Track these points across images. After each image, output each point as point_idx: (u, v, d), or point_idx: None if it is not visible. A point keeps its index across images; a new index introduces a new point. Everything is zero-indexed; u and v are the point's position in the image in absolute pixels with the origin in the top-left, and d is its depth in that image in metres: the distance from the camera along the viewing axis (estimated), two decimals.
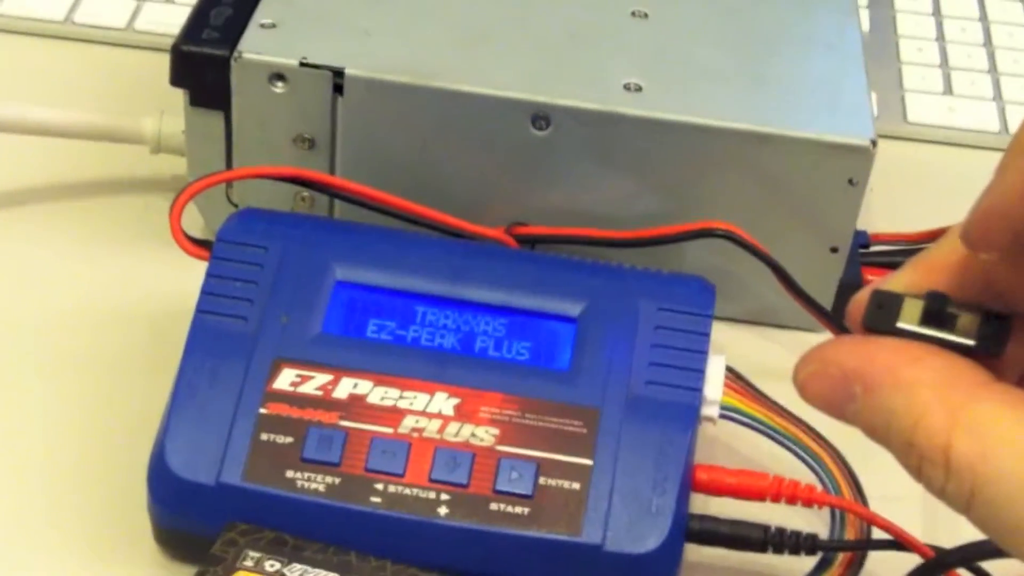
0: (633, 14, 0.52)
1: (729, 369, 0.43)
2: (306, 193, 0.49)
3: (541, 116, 0.47)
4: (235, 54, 0.47)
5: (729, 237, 0.47)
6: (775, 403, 0.43)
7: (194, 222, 0.50)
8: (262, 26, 0.48)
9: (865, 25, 0.65)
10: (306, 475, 0.39)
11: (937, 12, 0.67)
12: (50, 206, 0.53)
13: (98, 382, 0.47)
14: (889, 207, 0.54)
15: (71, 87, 0.58)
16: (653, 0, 0.52)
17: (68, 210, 0.53)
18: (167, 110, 0.51)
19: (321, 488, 0.39)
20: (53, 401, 0.46)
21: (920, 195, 0.57)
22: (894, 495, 0.44)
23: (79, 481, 0.43)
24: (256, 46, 0.48)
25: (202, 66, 0.48)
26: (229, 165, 0.49)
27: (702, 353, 0.42)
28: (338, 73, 0.47)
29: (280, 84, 0.48)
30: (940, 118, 0.61)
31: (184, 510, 0.40)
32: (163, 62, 0.49)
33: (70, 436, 0.45)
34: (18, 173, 0.54)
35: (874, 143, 0.47)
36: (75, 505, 0.43)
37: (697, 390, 0.41)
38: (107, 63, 0.60)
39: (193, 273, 0.45)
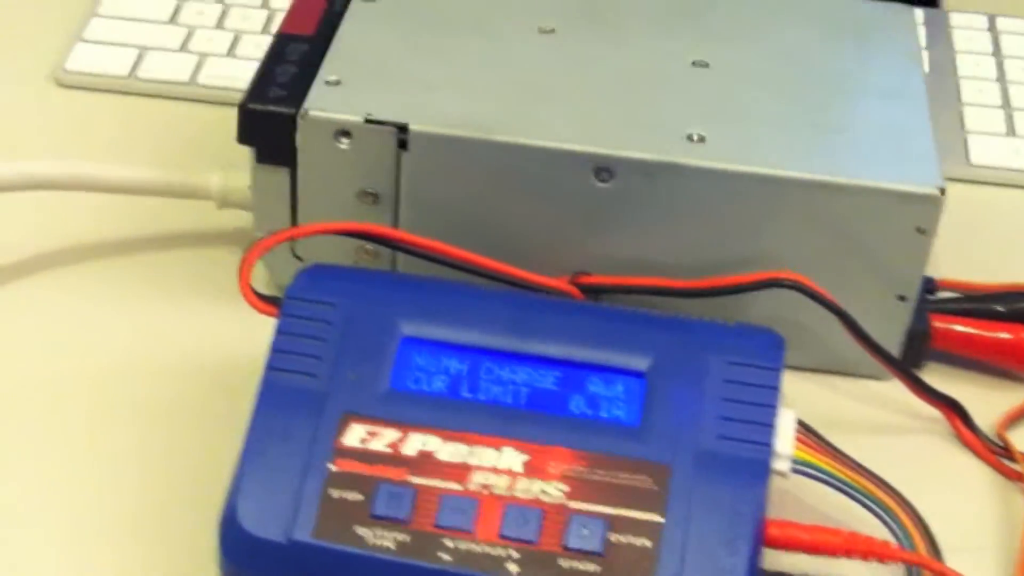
0: (694, 64, 0.52)
1: (799, 422, 0.42)
2: (370, 247, 0.50)
3: (604, 168, 0.47)
4: (301, 112, 0.48)
5: (797, 287, 0.46)
6: (847, 456, 0.43)
7: (258, 274, 0.50)
8: (327, 83, 0.49)
9: (925, 66, 0.65)
10: (376, 532, 0.39)
11: (997, 52, 0.67)
12: (117, 260, 0.53)
13: (164, 436, 0.47)
14: (954, 251, 0.54)
15: (135, 142, 0.59)
16: (713, 49, 0.52)
17: (135, 264, 0.53)
18: (232, 165, 0.52)
19: (391, 545, 0.39)
20: (119, 456, 0.46)
21: (985, 238, 0.57)
22: (972, 549, 0.43)
23: (146, 537, 0.44)
24: (321, 103, 0.48)
25: (269, 124, 0.48)
26: (294, 220, 0.50)
27: (772, 407, 0.41)
28: (402, 129, 0.48)
29: (345, 140, 0.48)
30: (1003, 160, 0.61)
31: (255, 567, 0.40)
32: (226, 116, 0.50)
33: (136, 492, 0.45)
34: (86, 228, 0.54)
35: (942, 191, 0.47)
36: (143, 562, 0.43)
37: (768, 445, 0.41)
38: (171, 117, 0.60)
39: (258, 326, 0.45)
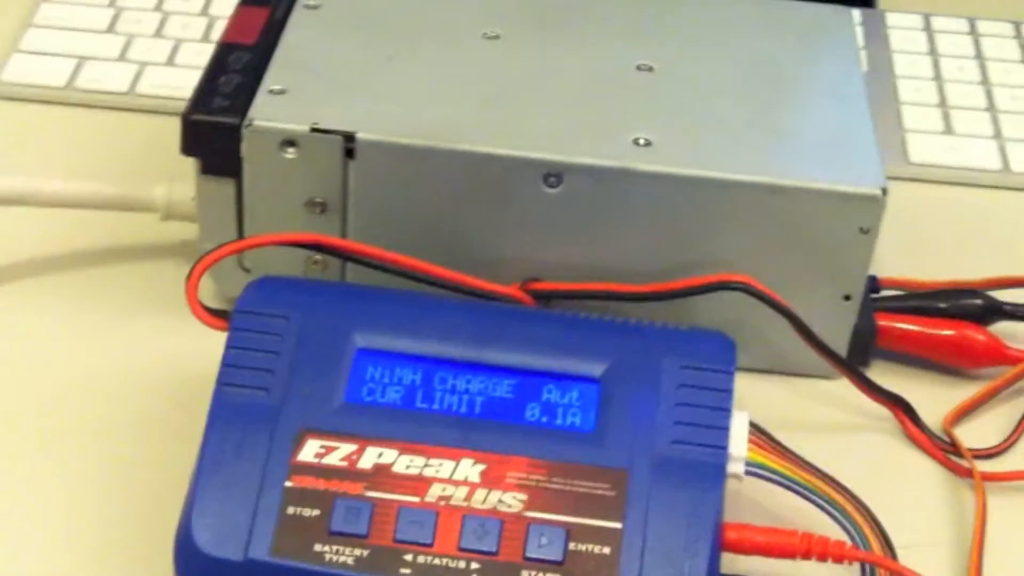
0: (639, 68, 0.52)
1: (752, 424, 0.43)
2: (319, 257, 0.49)
3: (553, 174, 0.47)
4: (246, 122, 0.47)
5: (745, 289, 0.47)
6: (799, 457, 0.43)
7: (205, 288, 0.50)
8: (271, 92, 0.49)
9: (863, 66, 0.65)
10: (335, 548, 0.39)
11: (933, 51, 0.68)
12: (60, 276, 0.53)
13: (116, 454, 0.46)
14: (895, 249, 0.55)
15: (76, 154, 0.58)
16: (657, 53, 0.53)
17: (77, 280, 0.52)
18: (176, 177, 0.51)
19: (350, 561, 0.39)
20: (69, 475, 0.45)
21: (925, 236, 0.58)
22: (924, 545, 0.44)
23: (102, 559, 0.43)
24: (267, 113, 0.48)
25: (213, 135, 0.48)
26: (241, 231, 0.49)
27: (726, 410, 0.42)
28: (349, 138, 0.47)
29: (291, 150, 0.48)
30: (942, 158, 0.62)
31: None
32: (166, 126, 0.49)
33: (89, 511, 0.44)
34: (25, 244, 0.54)
35: (884, 191, 0.47)
36: None
37: (723, 448, 0.41)
38: (111, 128, 0.60)
39: (207, 339, 0.45)
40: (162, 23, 0.64)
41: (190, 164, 0.49)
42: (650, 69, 0.52)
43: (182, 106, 0.48)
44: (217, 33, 0.64)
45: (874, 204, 0.47)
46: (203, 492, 0.40)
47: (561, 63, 0.52)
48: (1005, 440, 0.49)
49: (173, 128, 0.49)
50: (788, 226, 0.48)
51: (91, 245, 0.54)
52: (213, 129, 0.48)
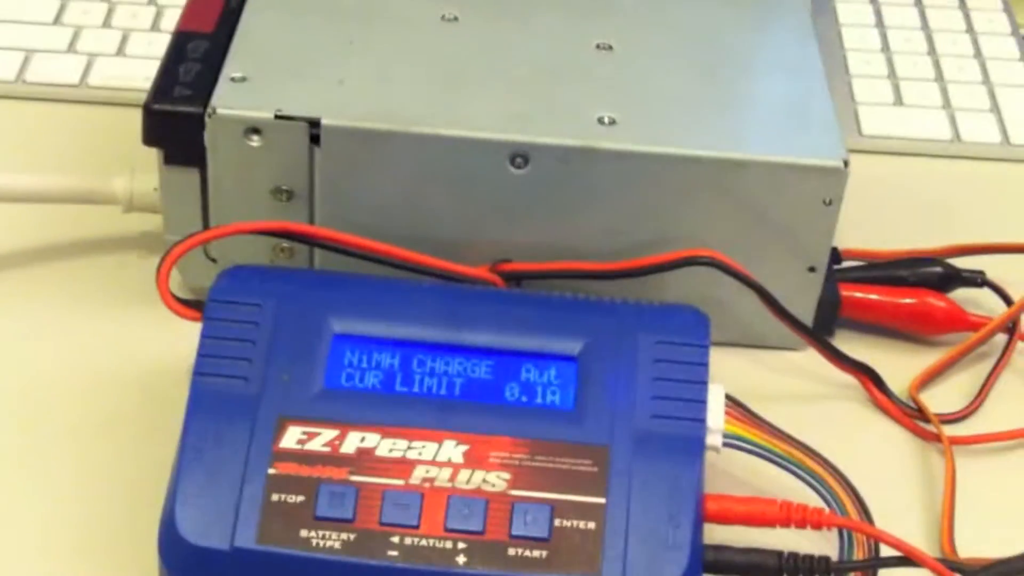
0: (598, 47, 0.52)
1: (727, 396, 0.43)
2: (286, 244, 0.49)
3: (519, 155, 0.48)
4: (209, 110, 0.47)
5: (714, 264, 0.47)
6: (775, 427, 0.44)
7: (171, 279, 0.49)
8: (233, 80, 0.48)
9: None
10: (321, 533, 0.39)
11: (880, 24, 0.68)
12: (23, 272, 0.52)
13: (88, 449, 0.46)
14: (853, 220, 0.55)
15: (28, 148, 0.57)
16: (615, 32, 0.53)
17: (40, 275, 0.52)
18: (137, 168, 0.51)
19: (337, 545, 0.39)
20: (46, 474, 0.45)
21: (881, 207, 0.58)
22: (897, 510, 0.45)
23: (86, 555, 0.43)
24: (229, 101, 0.47)
25: (175, 124, 0.47)
26: (206, 221, 0.49)
27: (702, 383, 0.42)
28: (314, 124, 0.47)
29: (256, 138, 0.47)
30: (893, 129, 0.63)
31: None
32: (120, 117, 0.49)
33: (67, 509, 0.44)
34: None
35: (846, 163, 0.48)
36: None
37: (701, 421, 0.42)
38: (63, 121, 0.59)
39: (175, 331, 0.44)
40: (109, 13, 0.64)
41: (148, 155, 0.48)
42: (609, 48, 0.52)
43: (135, 97, 0.48)
44: (166, 22, 0.63)
45: (837, 176, 0.48)
46: (186, 482, 0.39)
47: (521, 44, 0.52)
48: (970, 404, 0.49)
49: (127, 119, 0.48)
50: (753, 200, 0.49)
51: (52, 239, 0.53)
52: (175, 118, 0.47)
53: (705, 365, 0.42)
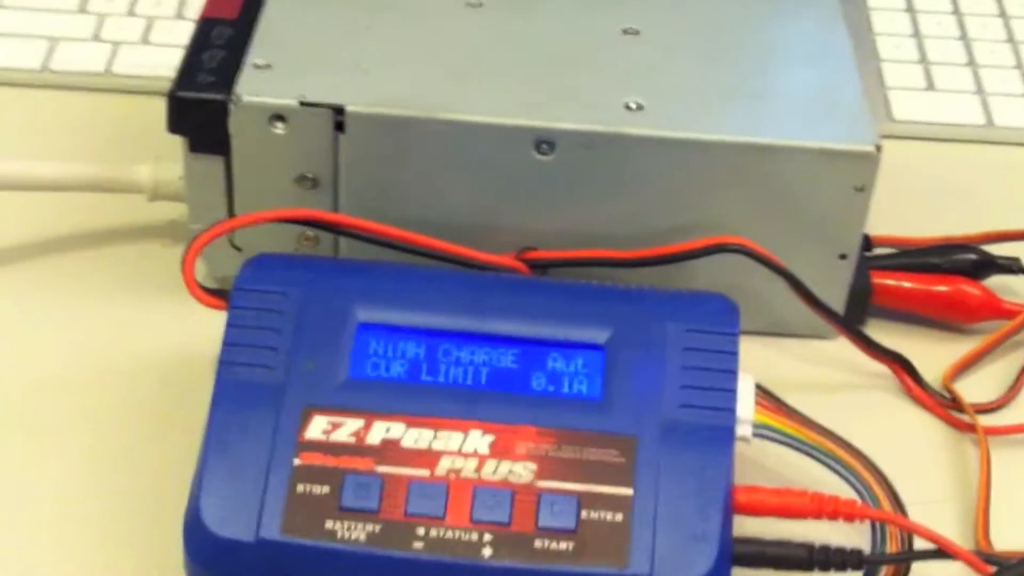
0: (624, 32, 0.52)
1: (757, 386, 0.43)
2: (311, 233, 0.49)
3: (544, 140, 0.47)
4: (233, 97, 0.47)
5: (742, 251, 0.46)
6: (806, 417, 0.43)
7: (196, 267, 0.49)
8: (256, 67, 0.48)
9: None
10: (346, 524, 0.39)
11: (911, 8, 0.67)
12: (48, 261, 0.52)
13: (115, 438, 0.46)
14: (884, 206, 0.54)
15: (55, 137, 0.57)
16: (642, 17, 0.52)
17: (65, 264, 0.52)
18: (162, 156, 0.50)
19: (362, 537, 0.39)
20: (70, 463, 0.45)
21: (913, 193, 0.58)
22: (931, 501, 0.44)
23: (107, 544, 0.42)
24: (254, 88, 0.47)
25: (200, 112, 0.47)
26: (231, 209, 0.49)
27: (732, 372, 0.42)
28: (338, 110, 0.47)
29: (280, 125, 0.47)
30: (925, 114, 0.62)
31: (224, 569, 0.39)
32: (145, 105, 0.49)
33: (93, 498, 0.44)
34: (12, 229, 0.53)
35: (879, 148, 0.47)
36: (108, 570, 0.42)
37: (731, 410, 0.41)
38: (88, 110, 0.59)
39: (201, 320, 0.44)
40: (134, 1, 0.63)
41: (173, 143, 0.48)
42: (636, 33, 0.52)
43: (159, 85, 0.48)
44: (190, 10, 0.63)
45: (868, 161, 0.47)
46: (211, 473, 0.39)
47: (546, 29, 0.51)
48: (1005, 394, 0.49)
49: (152, 107, 0.48)
50: (783, 187, 0.48)
51: (76, 228, 0.53)
52: (200, 106, 0.47)
53: (735, 354, 0.42)
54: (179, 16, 0.63)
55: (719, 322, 0.42)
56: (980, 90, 0.63)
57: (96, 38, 0.61)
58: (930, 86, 0.63)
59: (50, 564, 0.42)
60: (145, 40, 0.61)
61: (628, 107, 0.48)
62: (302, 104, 0.47)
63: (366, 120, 0.47)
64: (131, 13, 0.63)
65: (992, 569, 0.39)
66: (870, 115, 0.49)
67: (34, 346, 0.49)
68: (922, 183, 0.59)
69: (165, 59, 0.58)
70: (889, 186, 0.55)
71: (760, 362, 0.48)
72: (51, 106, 0.59)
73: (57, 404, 0.47)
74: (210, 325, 0.43)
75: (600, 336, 0.42)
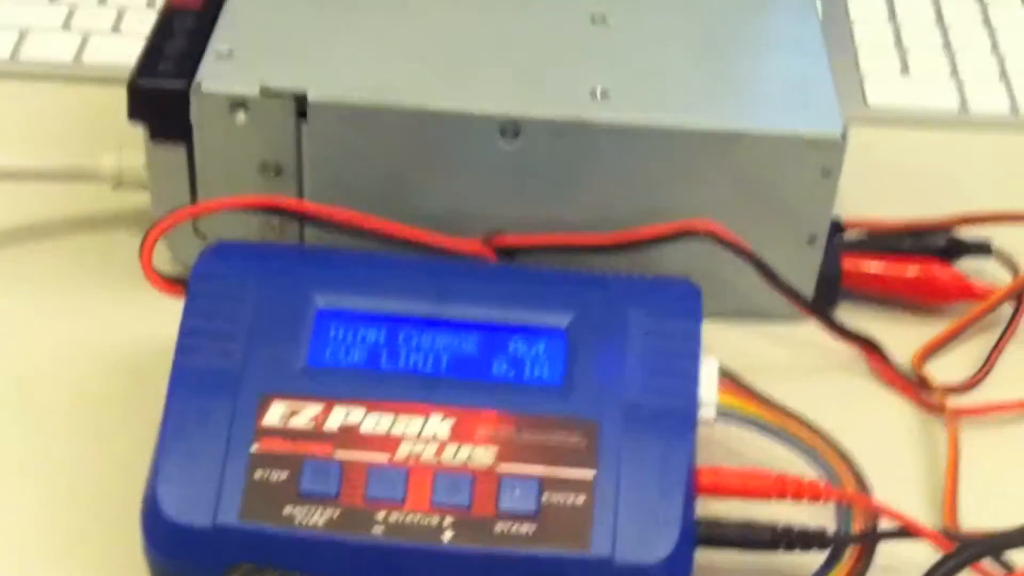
0: (592, 20, 0.51)
1: (721, 369, 0.42)
2: (275, 221, 0.48)
3: (510, 128, 0.47)
4: (193, 86, 0.46)
5: (710, 236, 0.46)
6: (770, 399, 0.43)
7: (160, 255, 0.49)
8: (219, 55, 0.47)
9: (818, 10, 0.65)
10: (305, 510, 0.38)
11: None
12: (10, 251, 0.51)
13: (77, 428, 0.45)
14: (857, 191, 0.54)
15: (22, 127, 0.57)
16: (610, 4, 0.52)
17: (29, 254, 0.51)
18: (125, 144, 0.50)
19: (321, 522, 0.38)
20: (33, 451, 0.45)
21: (887, 178, 0.57)
22: (897, 482, 0.44)
23: (70, 533, 0.42)
24: (214, 76, 0.47)
25: (160, 100, 0.47)
26: (194, 197, 0.48)
27: (694, 356, 0.41)
28: (300, 98, 0.46)
29: (242, 113, 0.47)
30: (900, 99, 0.61)
31: (182, 555, 0.39)
32: (115, 96, 0.48)
33: (54, 488, 0.43)
34: None
35: (844, 134, 0.47)
36: (69, 558, 0.41)
37: (693, 394, 0.41)
38: (57, 100, 0.58)
39: (165, 310, 0.44)
40: None
41: (139, 132, 0.48)
42: (604, 20, 0.51)
43: (129, 74, 0.47)
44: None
45: (834, 147, 0.47)
46: (167, 460, 0.39)
47: (513, 16, 0.51)
48: (975, 375, 0.48)
49: (123, 97, 0.48)
50: (750, 173, 0.48)
51: (42, 218, 0.53)
52: (160, 94, 0.47)
53: (697, 337, 0.42)
54: (150, 5, 0.62)
55: (681, 307, 0.42)
56: (955, 74, 0.63)
57: (66, 27, 0.61)
58: (905, 71, 0.63)
59: (14, 552, 0.42)
60: (116, 29, 0.61)
61: (594, 94, 0.48)
62: (263, 92, 0.46)
63: (329, 108, 0.46)
64: (102, 3, 0.62)
65: (954, 546, 0.39)
66: (837, 101, 0.48)
67: None
68: (896, 168, 0.58)
69: (136, 48, 0.57)
70: (863, 171, 0.55)
71: (731, 346, 0.48)
72: (20, 97, 0.58)
73: (19, 391, 0.46)
74: (177, 314, 0.43)
75: (562, 321, 0.42)
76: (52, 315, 0.49)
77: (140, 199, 0.50)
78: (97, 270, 0.51)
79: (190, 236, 0.49)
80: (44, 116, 0.57)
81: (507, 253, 0.48)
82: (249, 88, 0.46)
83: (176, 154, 0.48)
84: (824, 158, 0.47)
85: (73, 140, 0.56)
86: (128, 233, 0.52)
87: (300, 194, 0.48)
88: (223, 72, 0.47)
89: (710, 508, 0.41)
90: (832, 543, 0.40)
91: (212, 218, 0.48)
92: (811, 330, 0.49)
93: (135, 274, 0.45)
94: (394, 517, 0.38)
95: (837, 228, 0.52)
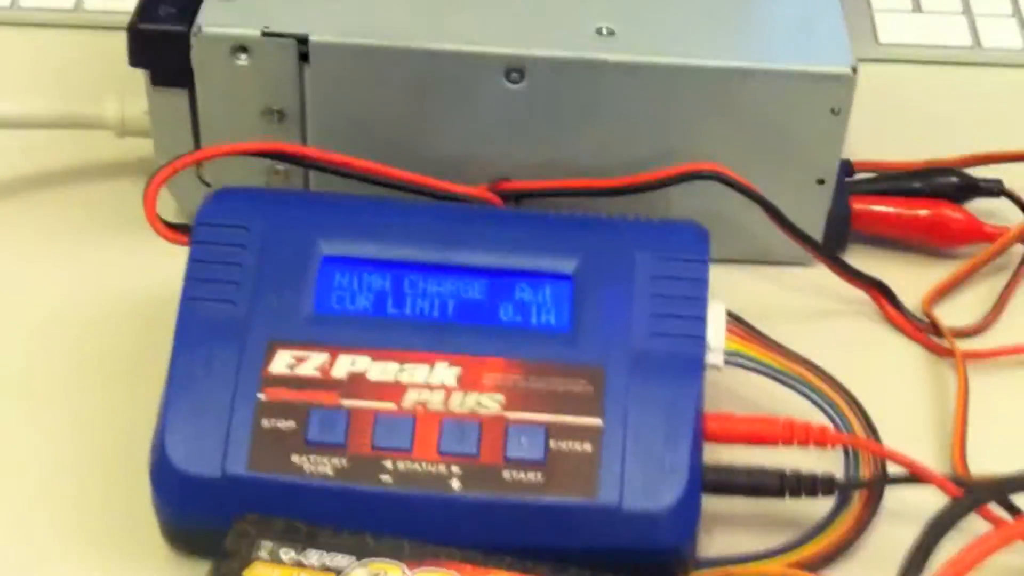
0: None
1: (729, 313, 0.42)
2: (280, 167, 0.48)
3: (515, 68, 0.46)
4: (194, 29, 0.46)
5: (717, 177, 0.46)
6: (779, 344, 0.43)
7: (165, 204, 0.48)
8: None
9: None
10: (312, 459, 0.38)
11: None
12: (14, 200, 0.51)
13: (86, 378, 0.45)
14: (868, 131, 0.54)
15: (22, 74, 0.56)
16: None
17: (34, 203, 0.51)
18: (129, 91, 0.49)
19: (329, 471, 0.38)
20: (41, 402, 0.45)
21: (898, 116, 0.57)
22: (905, 427, 0.44)
23: (78, 484, 0.42)
24: (215, 19, 0.46)
25: (161, 44, 0.46)
26: (197, 143, 0.48)
27: (702, 300, 0.41)
28: (302, 40, 0.46)
29: (243, 56, 0.46)
30: (911, 36, 0.61)
31: (191, 505, 0.39)
32: (116, 42, 0.48)
33: (63, 437, 0.44)
34: None
35: (855, 70, 0.46)
36: (77, 509, 0.42)
37: (701, 338, 0.40)
38: (58, 47, 0.58)
39: (170, 257, 0.43)
40: None
41: (141, 78, 0.47)
42: None
43: (130, 18, 0.47)
44: None
45: (844, 83, 0.46)
46: (175, 410, 0.39)
47: None
48: (985, 318, 0.48)
49: (122, 44, 0.47)
50: (757, 111, 0.47)
51: (45, 166, 0.52)
52: (161, 38, 0.46)
53: (704, 281, 0.41)
54: None
55: (688, 249, 0.42)
56: (967, 10, 0.62)
57: None
58: (916, 7, 0.62)
59: (22, 504, 0.42)
60: None
61: (599, 32, 0.47)
62: (264, 34, 0.46)
63: (331, 50, 0.46)
64: None
65: (961, 490, 0.38)
66: (847, 37, 0.48)
67: (3, 286, 0.48)
68: (907, 107, 0.58)
69: None
70: (874, 110, 0.54)
71: (739, 289, 0.48)
72: (20, 43, 0.58)
73: (27, 344, 0.46)
74: (181, 261, 0.42)
75: (568, 266, 0.42)
76: (56, 264, 0.49)
77: (143, 146, 0.50)
78: (101, 218, 0.50)
79: (194, 183, 0.48)
80: (45, 64, 0.57)
81: (512, 198, 0.47)
82: (250, 30, 0.46)
83: (178, 100, 0.47)
84: (833, 95, 0.47)
85: (75, 88, 0.55)
86: (131, 181, 0.51)
87: (303, 139, 0.48)
88: (224, 15, 0.46)
89: (717, 455, 0.40)
90: (840, 488, 0.40)
91: (216, 164, 0.48)
92: (819, 273, 0.49)
93: (138, 222, 0.44)
94: (402, 465, 0.38)
95: (847, 169, 0.51)
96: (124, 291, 0.48)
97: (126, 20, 0.47)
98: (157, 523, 0.40)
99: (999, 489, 0.38)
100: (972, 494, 0.37)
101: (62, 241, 0.50)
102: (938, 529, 0.36)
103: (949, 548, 0.36)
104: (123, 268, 0.49)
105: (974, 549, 0.35)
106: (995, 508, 0.39)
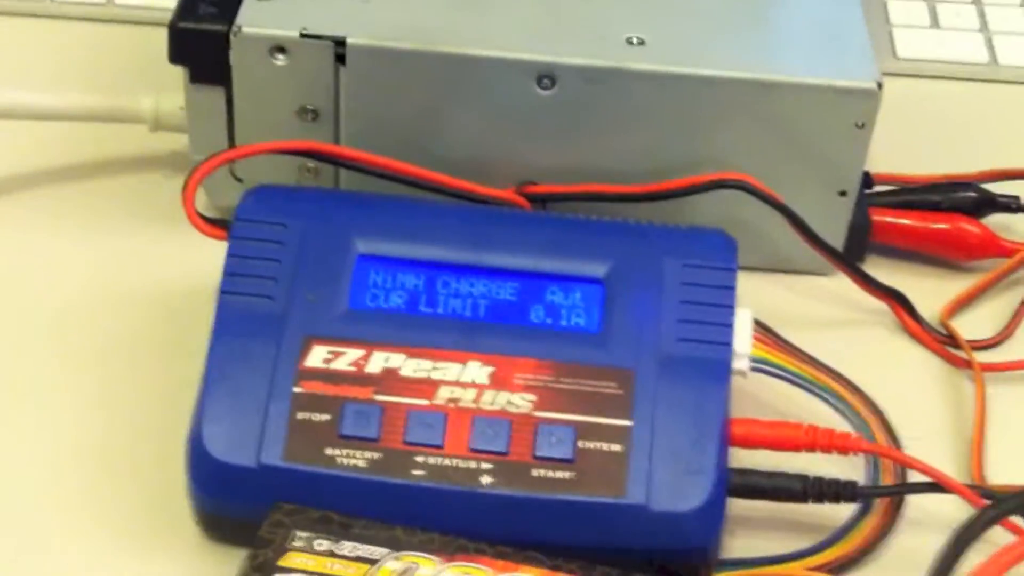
0: None
1: (755, 321, 0.43)
2: (312, 164, 0.49)
3: (546, 75, 0.47)
4: (234, 29, 0.46)
5: (742, 187, 0.47)
6: (803, 352, 0.43)
7: (196, 198, 0.49)
8: None
9: None
10: (346, 452, 0.39)
11: None
12: (49, 192, 0.52)
13: (118, 369, 0.46)
14: (887, 144, 0.54)
15: (55, 67, 0.57)
16: None
17: (67, 195, 0.52)
18: (164, 87, 0.50)
19: (362, 464, 0.39)
20: (73, 393, 0.45)
21: (916, 131, 0.57)
22: (924, 436, 0.44)
23: (112, 472, 0.43)
24: (255, 19, 0.47)
25: (201, 43, 0.47)
26: (232, 140, 0.49)
27: (729, 307, 0.42)
28: (339, 42, 0.47)
29: (281, 56, 0.47)
30: (929, 52, 0.61)
31: (226, 493, 0.39)
32: (148, 37, 0.49)
33: (97, 427, 0.44)
34: (13, 159, 0.53)
35: (880, 85, 0.47)
36: (111, 497, 0.42)
37: (728, 344, 0.41)
38: (90, 41, 0.58)
39: (202, 251, 0.44)
40: None
41: (176, 74, 0.48)
42: None
43: (162, 16, 0.48)
44: None
45: (870, 98, 0.47)
46: (212, 400, 0.40)
47: None
48: (1002, 331, 0.49)
49: (155, 39, 0.48)
50: (783, 123, 0.48)
51: (79, 159, 0.53)
52: (201, 37, 0.47)
53: (732, 288, 0.42)
54: None
55: (717, 257, 0.43)
56: (985, 28, 0.63)
57: None
58: (935, 23, 0.63)
59: (57, 493, 0.42)
60: None
61: (630, 42, 0.48)
62: (303, 36, 0.46)
63: (367, 52, 0.47)
64: None
65: (985, 501, 0.39)
66: (872, 52, 0.49)
67: (37, 277, 0.49)
68: (925, 121, 0.58)
69: None
70: (891, 124, 0.55)
71: (761, 297, 0.49)
72: (54, 37, 0.59)
73: (59, 332, 0.47)
74: (212, 255, 0.43)
75: (599, 270, 0.42)
76: (89, 256, 0.50)
77: (176, 141, 0.51)
78: (134, 212, 0.51)
79: (227, 180, 0.49)
80: (78, 57, 0.58)
81: (540, 201, 0.48)
82: (289, 32, 0.46)
83: (215, 97, 0.48)
84: (858, 109, 0.47)
85: (107, 81, 0.56)
86: (164, 175, 0.52)
87: (337, 139, 0.48)
88: (263, 15, 0.47)
89: (740, 460, 0.41)
90: (861, 495, 0.41)
91: (249, 162, 0.49)
92: (839, 283, 0.49)
93: (172, 216, 0.45)
94: (433, 460, 0.39)
95: (866, 182, 0.52)
96: (154, 282, 0.49)
97: (157, 15, 0.48)
98: (191, 510, 0.40)
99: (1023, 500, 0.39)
100: (999, 505, 0.38)
101: (92, 232, 0.50)
102: (964, 539, 0.36)
103: (972, 558, 0.37)
104: (153, 260, 0.49)
105: (1000, 559, 0.35)
106: (1016, 519, 0.40)
